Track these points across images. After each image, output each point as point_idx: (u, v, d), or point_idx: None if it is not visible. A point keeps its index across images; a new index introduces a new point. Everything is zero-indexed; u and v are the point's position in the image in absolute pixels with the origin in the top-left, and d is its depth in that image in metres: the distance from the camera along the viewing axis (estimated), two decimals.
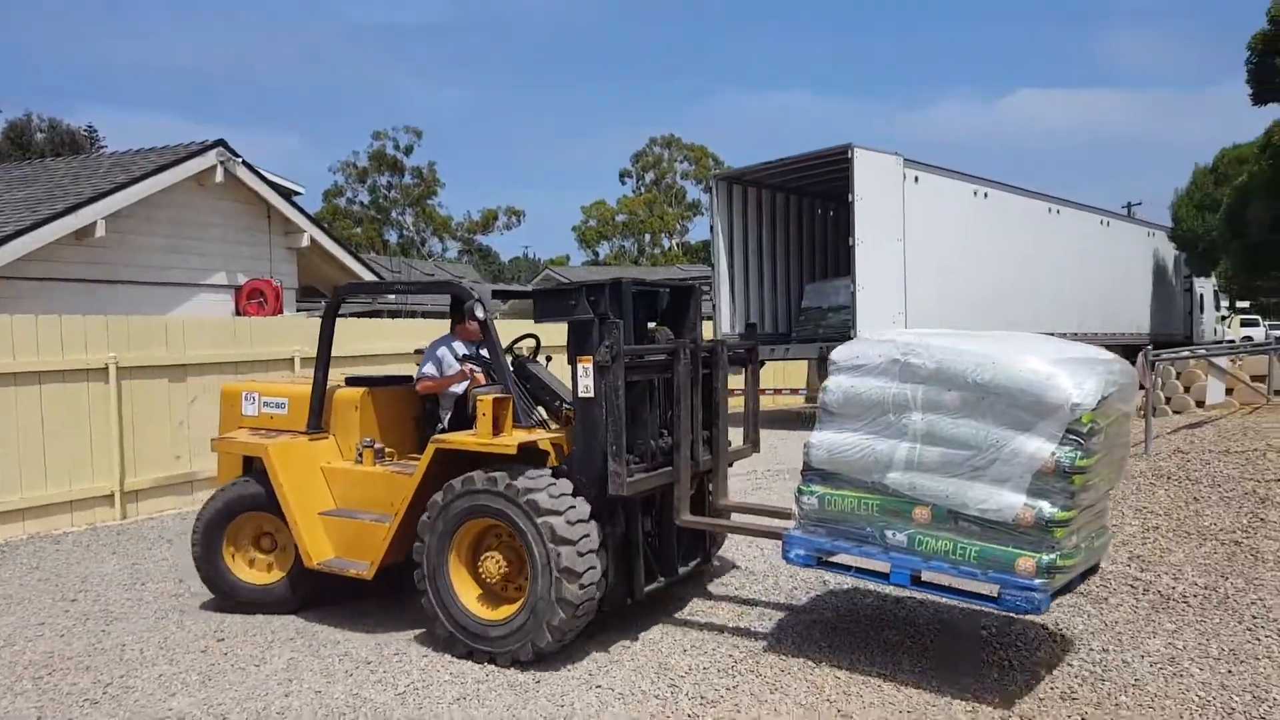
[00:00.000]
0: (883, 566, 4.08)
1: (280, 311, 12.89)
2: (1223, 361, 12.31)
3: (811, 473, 4.28)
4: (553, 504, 4.28)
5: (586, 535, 4.32)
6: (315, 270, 14.88)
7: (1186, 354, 12.40)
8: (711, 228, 10.15)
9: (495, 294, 5.03)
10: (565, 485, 4.43)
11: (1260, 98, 14.31)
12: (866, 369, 4.17)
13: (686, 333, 5.02)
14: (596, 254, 53.00)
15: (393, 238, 49.51)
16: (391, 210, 49.84)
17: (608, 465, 4.37)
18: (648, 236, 52.95)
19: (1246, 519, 6.63)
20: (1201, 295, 23.13)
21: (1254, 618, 4.83)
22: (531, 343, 5.71)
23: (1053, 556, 3.69)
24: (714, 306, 9.73)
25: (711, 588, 5.57)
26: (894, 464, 4.02)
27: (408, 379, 5.74)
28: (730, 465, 5.38)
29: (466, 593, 4.56)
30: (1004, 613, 4.08)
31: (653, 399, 4.80)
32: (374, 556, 4.88)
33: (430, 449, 4.65)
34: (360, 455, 5.26)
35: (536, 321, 4.77)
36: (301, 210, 14.46)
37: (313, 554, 5.07)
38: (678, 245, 53.49)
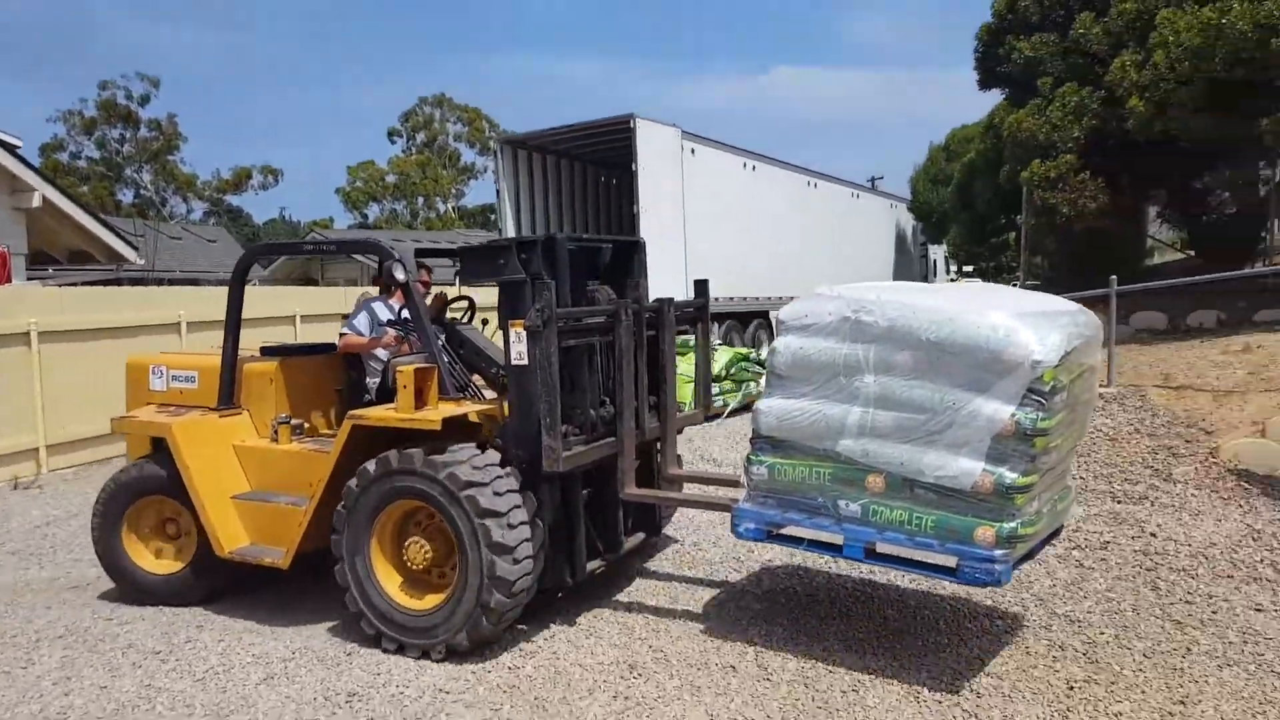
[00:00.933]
0: (835, 539, 3.83)
1: (8, 280, 11.48)
2: None
3: (760, 441, 4.00)
4: (475, 475, 3.95)
5: (516, 506, 4.00)
6: (49, 234, 13.48)
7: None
8: (498, 192, 10.19)
9: (419, 253, 4.62)
10: (490, 456, 4.10)
11: (985, 83, 15.94)
12: (816, 328, 3.88)
13: (630, 291, 4.68)
14: (365, 216, 49.74)
15: (127, 197, 44.35)
16: (125, 167, 44.50)
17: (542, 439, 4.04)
18: (421, 200, 50.05)
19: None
20: (935, 260, 25.42)
21: None
22: (464, 304, 5.32)
23: (1014, 525, 3.47)
24: None
25: (654, 565, 5.31)
26: (846, 430, 3.76)
27: (329, 347, 5.32)
28: (680, 432, 5.09)
29: (392, 583, 4.22)
30: (963, 585, 3.88)
31: (593, 364, 4.47)
32: (290, 543, 4.51)
33: (346, 425, 4.27)
34: (275, 432, 4.85)
35: (462, 282, 4.40)
36: (31, 165, 12.80)
37: (224, 541, 4.68)
38: (454, 210, 51.11)
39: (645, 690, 3.76)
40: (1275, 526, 5.40)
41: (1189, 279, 11.76)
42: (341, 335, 5.04)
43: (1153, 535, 5.43)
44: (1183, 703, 3.56)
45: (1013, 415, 3.42)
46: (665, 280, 8.83)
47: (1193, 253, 17.12)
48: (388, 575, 4.25)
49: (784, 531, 4.01)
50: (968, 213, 19.85)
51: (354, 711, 3.68)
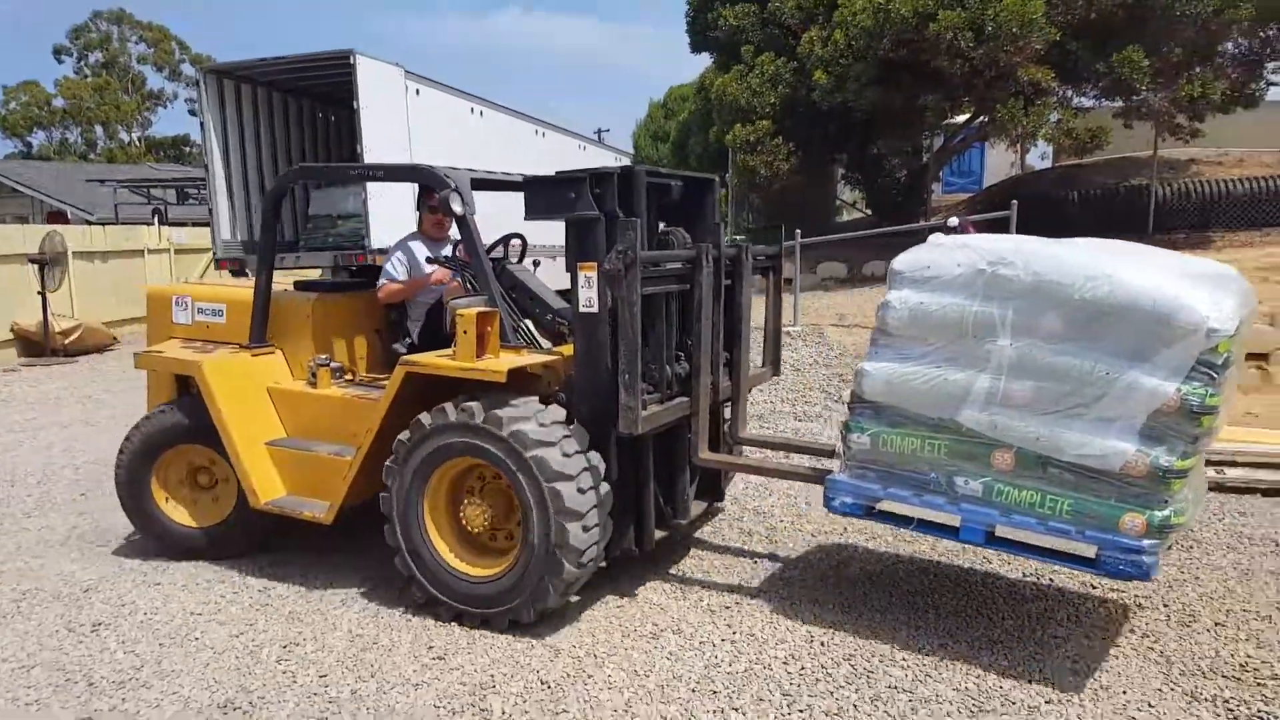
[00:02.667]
0: (950, 519, 3.41)
1: None
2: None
3: (863, 406, 3.56)
4: (543, 434, 3.53)
5: (586, 469, 3.58)
6: None
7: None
8: (202, 125, 9.47)
9: (475, 183, 4.12)
10: (557, 412, 3.67)
11: (696, 47, 16.55)
12: (939, 282, 3.40)
13: (705, 235, 4.18)
14: (29, 145, 44.55)
15: None
16: None
17: (617, 396, 3.60)
18: (99, 127, 44.83)
19: None
20: None
21: None
22: (517, 243, 4.83)
23: (1166, 513, 3.04)
24: (210, 211, 9.20)
25: (710, 535, 4.91)
26: (971, 398, 3.30)
27: (369, 284, 4.86)
28: (750, 391, 4.64)
29: (447, 546, 3.83)
30: (1103, 577, 3.46)
31: (668, 316, 4.00)
32: (334, 496, 4.11)
33: (399, 372, 3.83)
34: (314, 375, 4.42)
35: (527, 218, 3.89)
36: None
37: (259, 492, 4.28)
38: (140, 140, 46.28)
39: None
40: None
41: (863, 232, 13.19)
42: (379, 286, 4.57)
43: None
44: None
45: (1179, 390, 2.96)
46: (390, 225, 8.38)
47: (871, 211, 18.21)
48: (443, 537, 3.86)
49: (888, 509, 3.59)
50: (684, 169, 20.40)
51: (102, 639, 3.71)
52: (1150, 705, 3.13)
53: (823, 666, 3.44)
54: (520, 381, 3.83)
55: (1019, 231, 9.03)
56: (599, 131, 27.24)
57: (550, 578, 3.56)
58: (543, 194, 3.81)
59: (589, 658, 3.53)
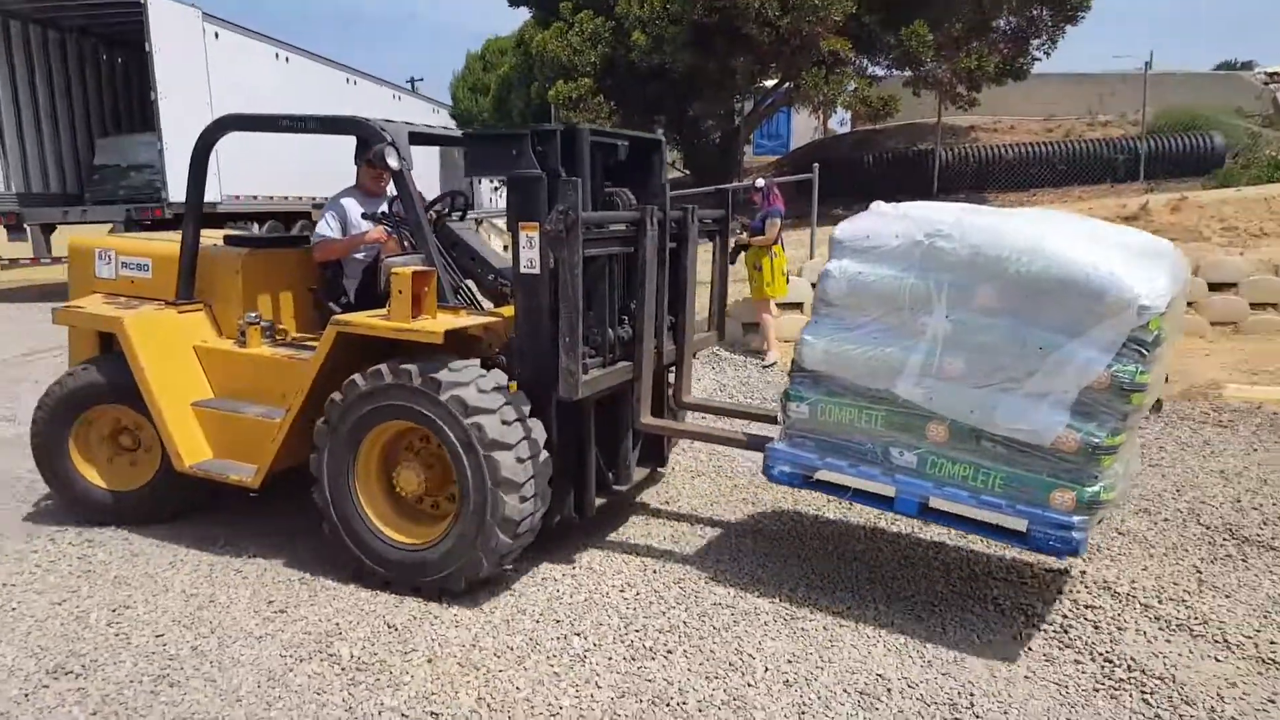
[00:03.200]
0: (885, 490, 3.42)
1: None
2: (500, 223, 14.78)
3: (802, 375, 3.55)
4: (483, 400, 3.45)
5: (527, 437, 3.52)
6: None
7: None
8: None
9: (413, 137, 3.96)
10: (497, 377, 3.59)
11: (514, 1, 16.79)
12: (878, 253, 3.38)
13: (651, 197, 4.10)
14: None
15: None
16: None
17: (557, 359, 3.53)
18: None
19: None
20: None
21: None
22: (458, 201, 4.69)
23: (1096, 489, 3.08)
24: None
25: (653, 499, 4.90)
26: (907, 370, 3.30)
27: (302, 239, 4.69)
28: (694, 355, 4.60)
29: (378, 511, 3.75)
30: (1031, 553, 3.52)
31: (611, 278, 3.92)
32: (263, 460, 3.99)
33: (331, 332, 3.70)
34: (243, 333, 4.27)
35: (467, 174, 3.78)
36: None
37: (184, 455, 4.14)
38: None
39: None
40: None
41: (683, 191, 13.89)
42: (315, 242, 4.40)
43: None
44: None
45: (1109, 366, 2.98)
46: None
47: (689, 171, 18.50)
48: (374, 502, 3.77)
49: (826, 478, 3.59)
50: (505, 124, 20.43)
51: None
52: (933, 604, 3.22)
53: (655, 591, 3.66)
54: (459, 343, 3.74)
55: (821, 191, 10.01)
56: (412, 81, 26.69)
57: (484, 547, 3.51)
58: (484, 151, 3.69)
59: (435, 601, 3.60)
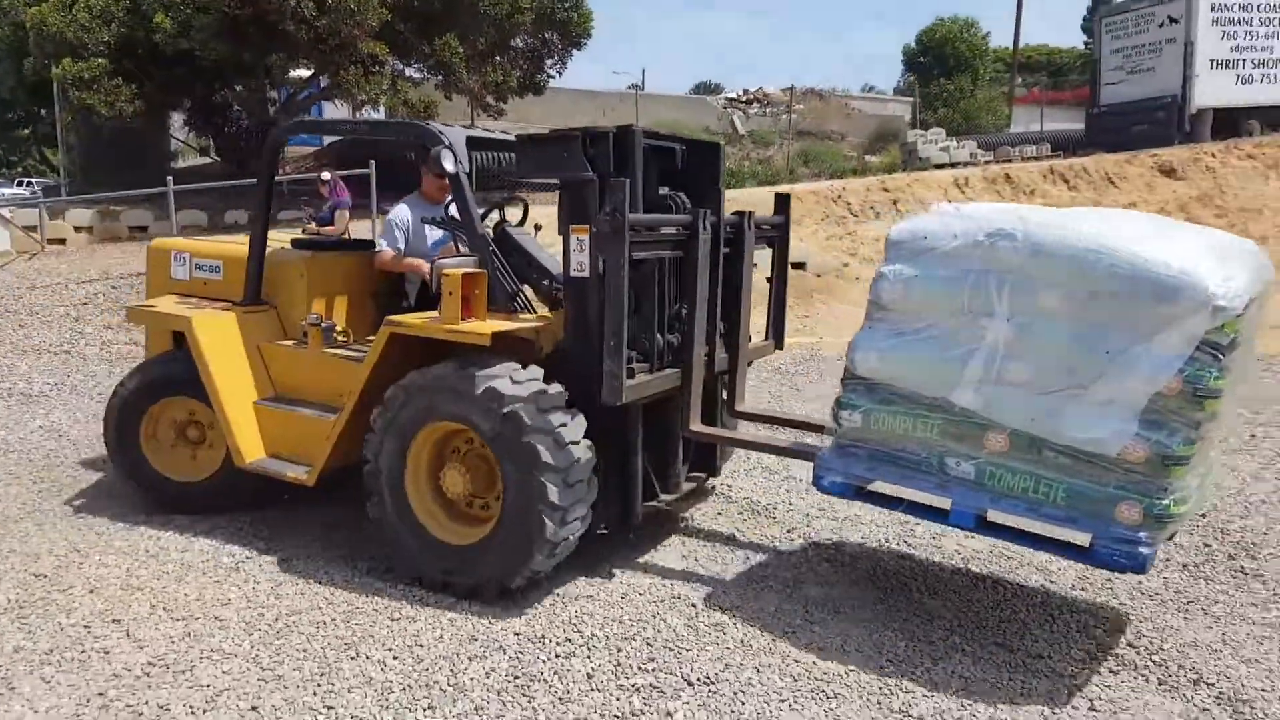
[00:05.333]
0: (940, 502, 3.29)
1: None
2: (5, 212, 14.34)
3: (854, 382, 3.44)
4: (518, 390, 3.45)
5: (565, 424, 3.47)
6: None
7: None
8: None
9: (471, 141, 4.02)
10: (534, 370, 3.58)
11: None
12: (936, 254, 3.26)
13: (707, 201, 4.06)
14: None
15: None
16: None
17: (603, 364, 3.50)
18: None
19: (68, 334, 9.71)
20: None
21: None
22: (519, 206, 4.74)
23: (1165, 502, 2.89)
24: None
25: (703, 514, 4.81)
26: (965, 377, 3.17)
27: (368, 244, 4.80)
28: (749, 365, 4.53)
29: (429, 513, 3.77)
30: (1096, 568, 3.33)
31: (662, 283, 3.89)
32: (317, 458, 4.07)
33: (384, 333, 3.76)
34: (305, 334, 4.38)
35: (519, 179, 3.80)
36: None
37: (244, 451, 4.26)
38: None
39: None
40: None
41: (231, 182, 13.64)
42: (377, 253, 4.51)
43: None
44: None
45: (1181, 371, 2.81)
46: None
47: (218, 158, 18.35)
48: (424, 504, 3.80)
49: (878, 489, 3.47)
50: None
51: None
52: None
53: None
54: (512, 347, 3.76)
55: (377, 183, 10.71)
56: None
57: (530, 547, 3.49)
58: (534, 153, 3.71)
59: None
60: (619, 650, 3.29)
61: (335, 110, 20.67)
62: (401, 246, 4.47)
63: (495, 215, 4.52)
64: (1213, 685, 3.10)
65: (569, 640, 3.35)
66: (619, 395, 3.45)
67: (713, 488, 4.93)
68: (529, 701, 2.98)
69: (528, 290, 4.36)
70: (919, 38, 35.10)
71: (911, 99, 27.21)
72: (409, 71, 15.79)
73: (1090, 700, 3.01)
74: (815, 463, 3.55)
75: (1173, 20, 17.44)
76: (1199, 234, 3.18)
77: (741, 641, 3.37)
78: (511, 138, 4.03)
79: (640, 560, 4.10)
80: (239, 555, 4.12)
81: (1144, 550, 2.90)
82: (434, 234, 4.48)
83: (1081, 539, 3.06)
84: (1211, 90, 17.30)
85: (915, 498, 3.39)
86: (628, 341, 3.60)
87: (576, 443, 3.49)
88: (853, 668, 3.20)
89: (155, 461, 4.60)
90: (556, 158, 3.62)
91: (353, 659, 3.23)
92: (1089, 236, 2.99)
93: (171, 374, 4.52)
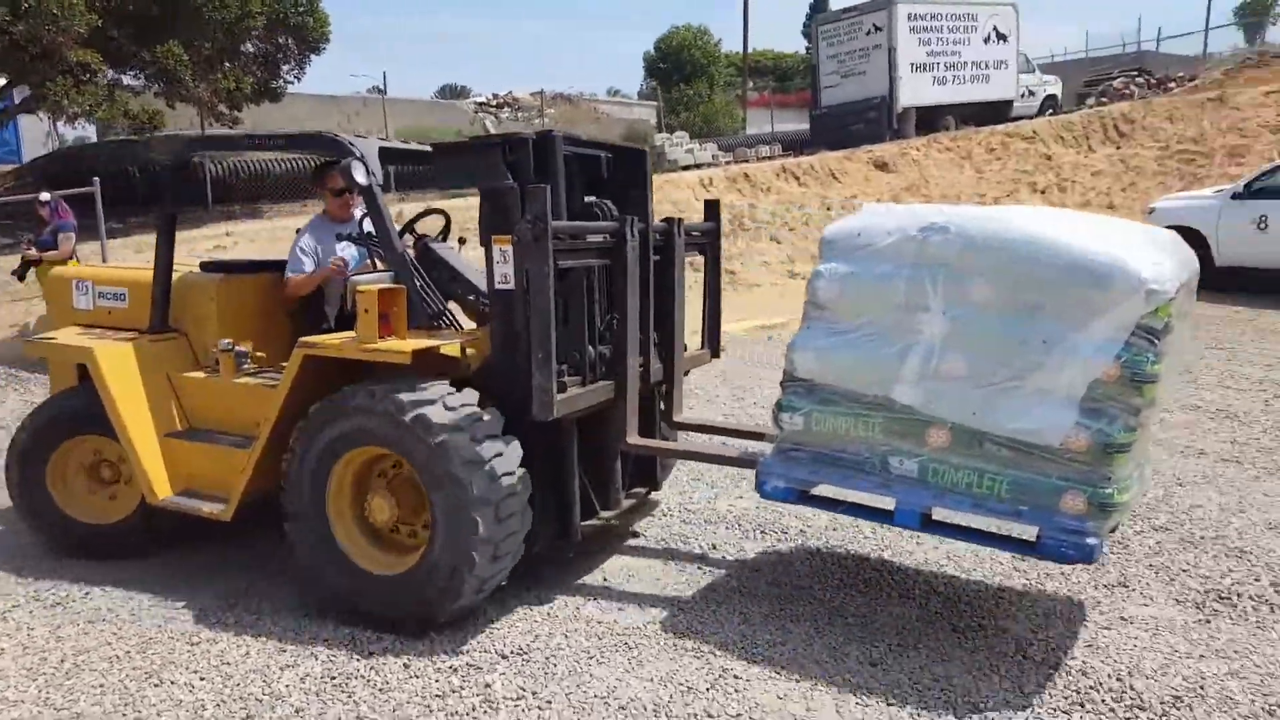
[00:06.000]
0: (885, 503, 3.21)
1: None
2: None
3: (795, 384, 3.35)
4: (451, 418, 3.27)
5: (500, 454, 3.33)
6: None
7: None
8: None
9: (383, 152, 3.85)
10: (468, 395, 3.41)
11: None
12: (870, 251, 3.20)
13: (634, 208, 3.95)
14: None
15: None
16: None
17: (532, 378, 3.35)
18: None
19: None
20: None
21: None
22: (439, 220, 4.57)
23: (1109, 491, 2.86)
24: None
25: (645, 528, 4.68)
26: (904, 373, 3.10)
27: (282, 264, 4.57)
28: (685, 374, 4.42)
29: (353, 543, 3.56)
30: (1043, 560, 3.28)
31: (591, 293, 3.76)
32: (234, 492, 3.82)
33: (297, 355, 3.55)
34: (217, 361, 4.13)
35: (439, 187, 3.64)
36: None
37: (156, 488, 3.99)
38: None
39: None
40: None
41: None
42: (286, 280, 4.28)
43: None
44: None
45: (1118, 357, 2.78)
46: None
47: None
48: (348, 533, 3.59)
49: (820, 492, 3.38)
50: None
51: None
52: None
53: None
54: (435, 366, 3.58)
55: (104, 203, 10.09)
56: None
57: (464, 574, 3.30)
58: (452, 162, 3.56)
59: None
60: (432, 640, 3.38)
61: (38, 124, 19.11)
62: (310, 268, 4.25)
63: (416, 229, 4.35)
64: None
65: (380, 639, 3.40)
66: (550, 410, 3.30)
67: (656, 501, 4.80)
68: (349, 697, 3.05)
69: (457, 308, 4.21)
70: (657, 45, 36.64)
71: (656, 103, 27.95)
72: (128, 80, 14.70)
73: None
74: (757, 469, 3.44)
75: (877, 28, 19.07)
76: (1123, 226, 3.18)
77: (548, 614, 3.57)
78: (427, 148, 3.87)
79: (561, 582, 3.95)
80: (3, 605, 3.86)
81: (1091, 540, 2.86)
82: (345, 251, 4.27)
83: (1028, 533, 3.01)
84: (913, 91, 19.01)
85: (859, 499, 3.31)
86: (558, 354, 3.46)
87: (511, 473, 3.33)
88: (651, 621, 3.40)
89: (65, 505, 4.28)
90: (475, 166, 3.49)
91: (157, 686, 3.17)
92: (1019, 228, 2.97)
93: (75, 410, 4.22)
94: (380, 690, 3.08)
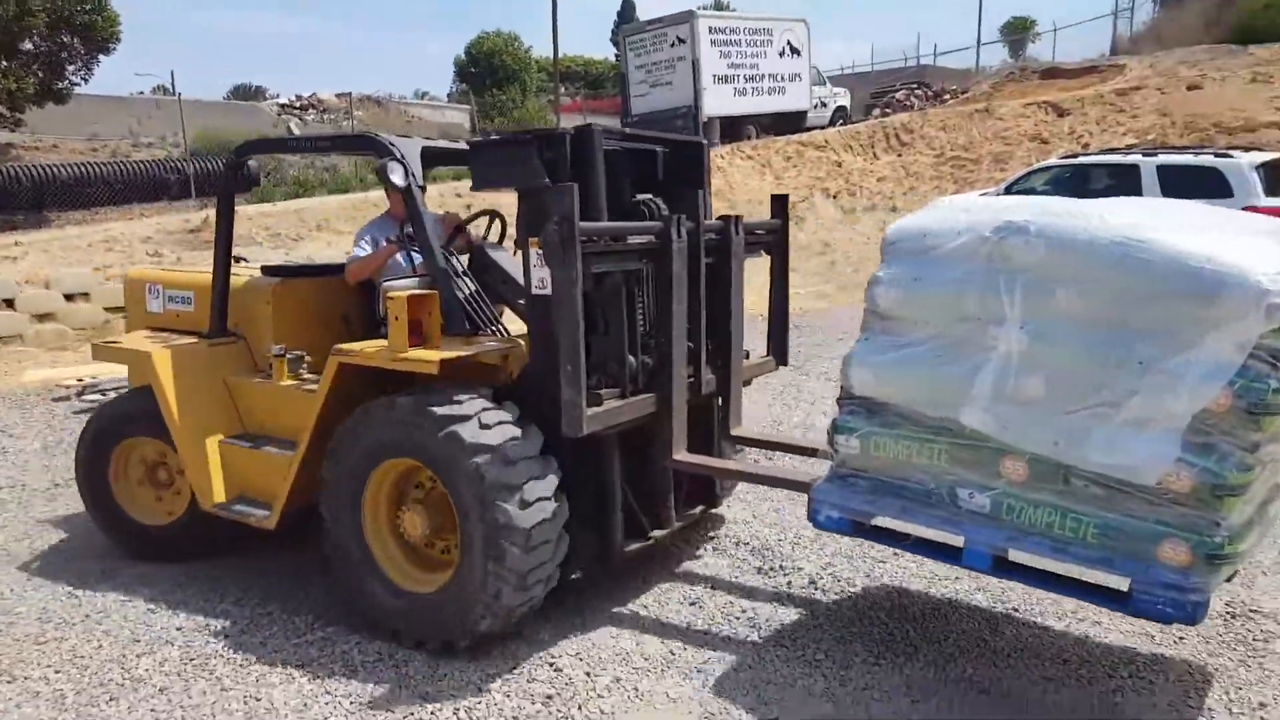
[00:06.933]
0: (953, 539, 2.84)
1: None
2: None
3: (852, 403, 3.01)
4: (485, 438, 3.09)
5: (535, 478, 3.13)
6: None
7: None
8: None
9: (426, 153, 3.71)
10: (506, 411, 3.22)
11: None
12: (941, 254, 2.83)
13: (688, 205, 3.66)
14: None
15: None
16: None
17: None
18: None
19: None
20: None
21: None
22: (495, 224, 4.42)
23: (1217, 540, 2.41)
24: None
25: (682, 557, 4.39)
26: (976, 394, 2.73)
27: (339, 267, 4.51)
28: (747, 384, 4.11)
29: (389, 557, 3.45)
30: (1136, 618, 2.84)
31: (636, 298, 3.52)
32: (279, 499, 3.77)
33: (332, 363, 3.46)
34: (270, 366, 4.10)
35: (474, 188, 3.47)
36: None
37: (207, 494, 3.98)
38: None
39: None
40: None
41: None
42: (348, 265, 4.22)
43: None
44: None
45: (1232, 383, 2.33)
46: None
47: None
48: (383, 546, 3.48)
49: (880, 524, 3.04)
50: None
51: None
52: None
53: None
54: (475, 375, 3.43)
55: None
56: None
57: (488, 602, 3.13)
58: (487, 160, 3.38)
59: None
60: (293, 615, 3.60)
61: None
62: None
63: (476, 232, 4.20)
64: None
65: (236, 622, 3.57)
66: (579, 426, 3.07)
67: (718, 518, 4.51)
68: (210, 674, 3.23)
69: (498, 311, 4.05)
70: (468, 50, 36.81)
71: (469, 107, 27.74)
72: None
73: None
74: (810, 495, 3.12)
75: (681, 40, 19.33)
76: (1242, 221, 2.69)
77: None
78: (465, 147, 3.71)
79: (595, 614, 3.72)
80: None
81: (1194, 597, 2.42)
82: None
83: (1119, 583, 2.58)
84: (717, 101, 19.34)
85: (923, 534, 2.94)
86: (595, 365, 3.23)
87: (546, 498, 3.13)
88: None
89: (124, 503, 4.37)
90: (510, 164, 3.28)
91: (10, 682, 3.21)
92: (1116, 227, 2.54)
93: (133, 412, 4.28)
94: (241, 666, 3.26)
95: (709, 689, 3.04)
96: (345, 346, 3.47)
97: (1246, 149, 11.79)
